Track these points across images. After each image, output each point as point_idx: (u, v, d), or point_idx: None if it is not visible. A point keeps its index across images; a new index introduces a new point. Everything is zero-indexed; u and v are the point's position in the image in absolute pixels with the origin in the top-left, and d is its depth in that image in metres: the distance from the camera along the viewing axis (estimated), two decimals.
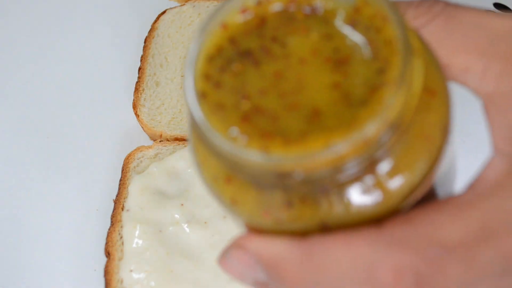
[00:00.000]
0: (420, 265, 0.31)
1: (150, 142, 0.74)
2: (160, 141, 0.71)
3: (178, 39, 0.80)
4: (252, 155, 0.29)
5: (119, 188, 0.67)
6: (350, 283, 0.32)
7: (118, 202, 0.65)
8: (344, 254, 0.31)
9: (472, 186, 0.34)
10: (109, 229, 0.64)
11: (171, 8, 0.82)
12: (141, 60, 0.77)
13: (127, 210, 0.64)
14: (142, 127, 0.73)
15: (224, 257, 0.38)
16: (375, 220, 0.32)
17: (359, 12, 0.31)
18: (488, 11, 0.36)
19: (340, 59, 0.31)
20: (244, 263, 0.36)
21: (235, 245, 0.37)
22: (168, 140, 0.72)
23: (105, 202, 0.69)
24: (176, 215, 0.63)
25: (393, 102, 0.29)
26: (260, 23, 0.32)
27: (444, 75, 0.34)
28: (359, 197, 0.31)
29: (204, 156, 0.34)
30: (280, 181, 0.30)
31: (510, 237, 0.31)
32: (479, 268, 0.31)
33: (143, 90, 0.75)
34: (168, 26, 0.81)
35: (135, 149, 0.70)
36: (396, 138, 0.30)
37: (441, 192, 0.37)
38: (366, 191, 0.31)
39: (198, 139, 0.33)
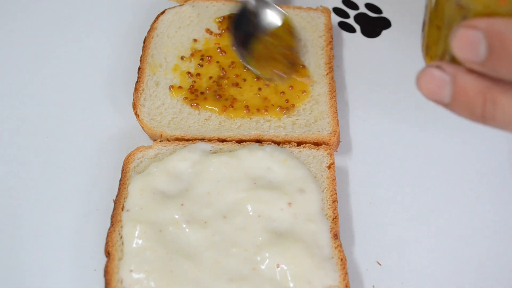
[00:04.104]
0: None
1: (150, 142, 0.74)
2: (160, 141, 0.71)
3: (178, 39, 0.80)
4: None
5: (119, 188, 0.67)
6: None
7: (118, 202, 0.65)
8: None
9: None
10: (109, 229, 0.64)
11: (170, 8, 0.82)
12: (140, 60, 0.77)
13: (127, 210, 0.64)
14: (142, 127, 0.73)
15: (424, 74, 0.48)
16: None
17: None
18: None
19: None
20: (440, 79, 0.47)
21: (463, 26, 0.44)
22: (168, 140, 0.72)
23: (105, 202, 0.69)
24: (176, 215, 0.63)
25: None
26: None
27: None
28: None
29: None
30: None
31: None
32: None
33: (143, 90, 0.75)
34: (168, 26, 0.81)
35: (135, 149, 0.70)
36: None
37: None
38: None
39: None
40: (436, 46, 0.53)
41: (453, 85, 0.48)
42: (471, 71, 0.47)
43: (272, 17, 0.77)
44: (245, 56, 0.75)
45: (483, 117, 0.48)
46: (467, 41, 0.45)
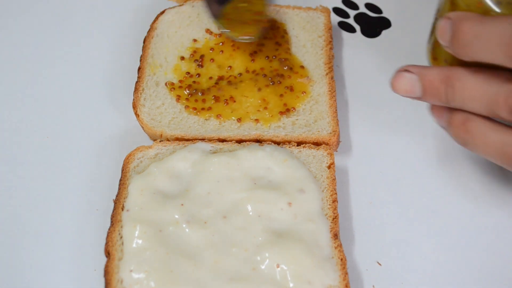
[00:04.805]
0: None
1: (150, 142, 0.74)
2: (160, 141, 0.71)
3: (178, 39, 0.80)
4: None
5: (119, 188, 0.67)
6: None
7: (118, 202, 0.65)
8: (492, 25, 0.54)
9: None
10: (109, 229, 0.64)
11: (170, 8, 0.82)
12: (140, 60, 0.77)
13: (127, 210, 0.64)
14: (142, 127, 0.73)
15: (397, 77, 0.63)
16: None
17: None
18: None
19: None
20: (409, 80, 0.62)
21: (443, 17, 0.59)
22: (168, 140, 0.72)
23: (105, 202, 0.69)
24: (176, 215, 0.63)
25: None
26: None
27: None
28: None
29: None
30: None
31: None
32: None
33: (143, 90, 0.75)
34: (167, 26, 0.81)
35: (135, 149, 0.70)
36: None
37: None
38: None
39: None
40: (440, 51, 0.65)
41: (421, 81, 0.62)
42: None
43: None
44: (218, 18, 0.77)
45: (447, 100, 0.60)
46: (441, 29, 0.59)
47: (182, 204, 0.64)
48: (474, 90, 0.58)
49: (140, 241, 0.61)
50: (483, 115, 0.59)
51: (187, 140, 0.71)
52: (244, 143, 0.70)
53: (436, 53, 0.66)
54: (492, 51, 0.55)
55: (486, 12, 0.58)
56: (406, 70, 0.62)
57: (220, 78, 0.76)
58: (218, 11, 0.77)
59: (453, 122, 0.61)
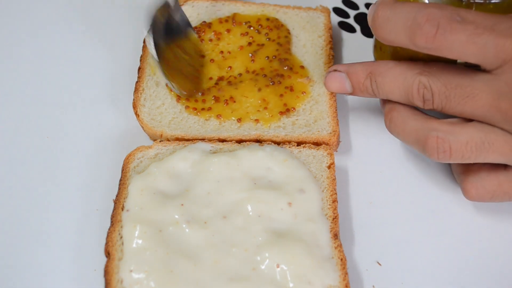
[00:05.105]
0: (442, 17, 0.57)
1: (150, 142, 0.74)
2: (160, 141, 0.71)
3: None
4: None
5: (119, 188, 0.67)
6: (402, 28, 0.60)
7: (118, 202, 0.65)
8: (400, 10, 0.60)
9: None
10: (109, 229, 0.64)
11: None
12: (140, 60, 0.77)
13: (127, 210, 0.64)
14: (142, 127, 0.73)
15: (328, 77, 0.69)
16: None
17: None
18: None
19: None
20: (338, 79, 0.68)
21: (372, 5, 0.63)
22: (168, 140, 0.72)
23: (105, 202, 0.69)
24: (176, 215, 0.63)
25: None
26: None
27: None
28: None
29: None
30: None
31: None
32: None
33: (143, 90, 0.75)
34: None
35: (135, 149, 0.70)
36: None
37: None
38: None
39: None
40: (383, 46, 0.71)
41: (349, 78, 0.67)
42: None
43: (180, 27, 0.76)
44: (160, 58, 0.71)
45: (374, 94, 0.66)
46: (368, 13, 0.64)
47: (182, 204, 0.64)
48: (393, 83, 0.64)
49: (140, 241, 0.62)
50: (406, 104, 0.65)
51: (187, 140, 0.71)
52: (244, 143, 0.70)
53: (378, 42, 0.71)
54: (398, 33, 0.60)
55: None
56: (335, 70, 0.69)
57: (220, 78, 0.76)
58: (162, 46, 0.72)
59: (384, 111, 0.67)
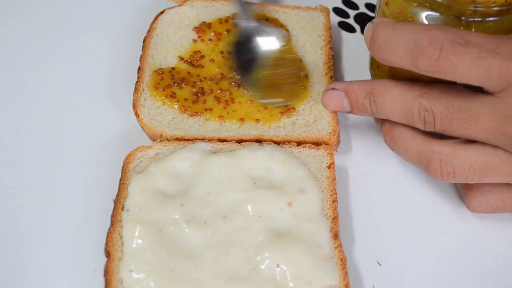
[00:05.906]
0: (446, 40, 0.56)
1: (150, 142, 0.74)
2: (160, 141, 0.71)
3: (177, 39, 0.80)
4: None
5: (119, 188, 0.67)
6: (404, 50, 0.58)
7: (118, 202, 0.65)
8: (401, 32, 0.59)
9: None
10: (109, 229, 0.64)
11: (169, 8, 0.82)
12: (140, 60, 0.77)
13: (127, 210, 0.64)
14: (142, 127, 0.73)
15: (325, 96, 0.69)
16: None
17: None
18: None
19: None
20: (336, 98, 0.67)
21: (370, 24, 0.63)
22: (168, 140, 0.72)
23: (105, 202, 0.69)
24: (176, 215, 0.63)
25: None
26: None
27: None
28: None
29: None
30: None
31: None
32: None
33: (143, 90, 0.75)
34: (167, 26, 0.81)
35: (135, 149, 0.70)
36: None
37: None
38: None
39: None
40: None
41: (348, 97, 0.66)
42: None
43: (271, 41, 0.76)
44: (248, 82, 0.74)
45: (373, 113, 0.65)
46: (365, 32, 0.63)
47: (182, 204, 0.64)
48: (393, 105, 0.63)
49: (140, 241, 0.62)
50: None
51: (187, 140, 0.71)
52: (244, 143, 0.70)
53: (375, 60, 0.68)
54: (399, 55, 0.59)
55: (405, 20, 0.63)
56: (332, 88, 0.68)
57: (220, 78, 0.76)
58: (247, 73, 0.74)
59: (383, 129, 0.67)
